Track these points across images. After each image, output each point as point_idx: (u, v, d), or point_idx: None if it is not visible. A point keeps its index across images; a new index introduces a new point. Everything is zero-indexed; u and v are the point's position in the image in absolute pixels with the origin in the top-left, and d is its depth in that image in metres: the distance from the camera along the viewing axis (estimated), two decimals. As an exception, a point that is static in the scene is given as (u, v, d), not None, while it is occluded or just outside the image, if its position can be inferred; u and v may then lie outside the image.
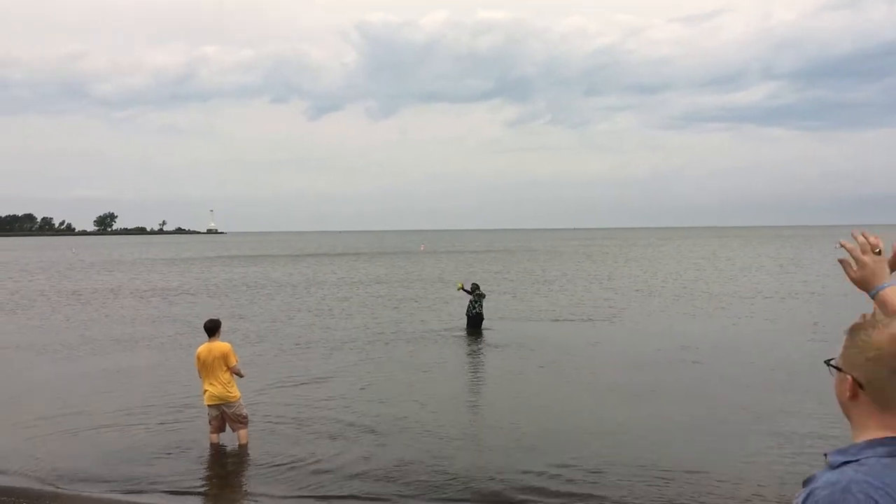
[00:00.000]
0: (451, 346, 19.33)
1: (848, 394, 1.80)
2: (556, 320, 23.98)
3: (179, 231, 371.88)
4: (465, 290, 21.71)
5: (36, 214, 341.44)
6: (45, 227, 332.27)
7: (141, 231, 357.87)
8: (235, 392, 10.15)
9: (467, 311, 21.48)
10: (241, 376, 10.34)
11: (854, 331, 1.86)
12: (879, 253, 2.32)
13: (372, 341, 19.89)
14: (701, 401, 12.60)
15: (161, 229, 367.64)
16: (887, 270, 2.31)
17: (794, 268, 49.28)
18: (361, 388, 14.14)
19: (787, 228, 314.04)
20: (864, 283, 2.28)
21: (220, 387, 10.01)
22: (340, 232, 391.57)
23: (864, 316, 1.89)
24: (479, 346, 19.37)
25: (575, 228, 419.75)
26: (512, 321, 23.29)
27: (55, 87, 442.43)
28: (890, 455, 1.70)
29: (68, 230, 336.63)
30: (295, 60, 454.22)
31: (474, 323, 21.20)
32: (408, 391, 13.92)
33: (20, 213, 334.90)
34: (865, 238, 2.34)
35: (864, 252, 2.33)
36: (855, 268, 2.33)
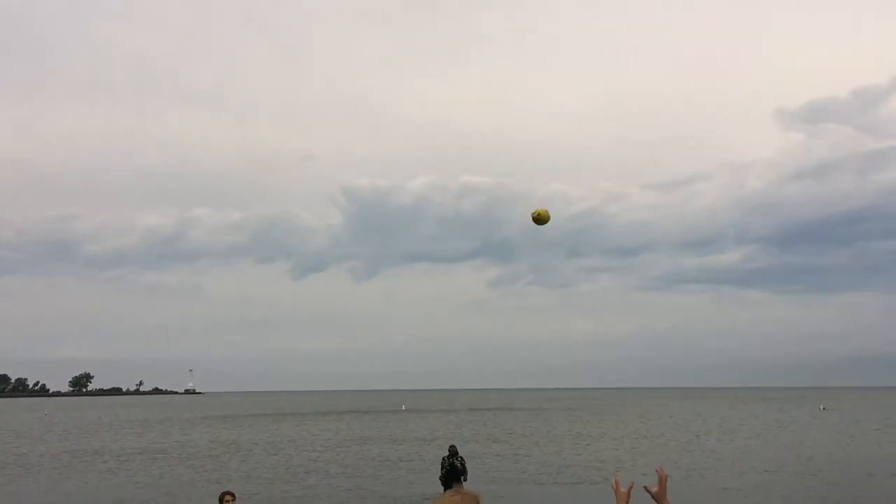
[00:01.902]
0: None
1: None
2: (542, 484, 23.72)
3: (157, 391, 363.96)
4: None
5: (10, 375, 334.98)
6: (20, 388, 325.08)
7: (117, 391, 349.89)
8: None
9: (443, 467, 20.55)
10: None
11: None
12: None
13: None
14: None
15: (138, 389, 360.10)
16: None
17: (779, 430, 49.38)
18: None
19: (768, 389, 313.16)
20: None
21: None
22: (322, 391, 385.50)
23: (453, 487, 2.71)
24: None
25: (557, 388, 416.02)
26: (497, 484, 23.03)
27: (43, 249, 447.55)
28: None
29: (42, 391, 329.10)
30: (283, 223, 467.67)
31: (451, 481, 20.37)
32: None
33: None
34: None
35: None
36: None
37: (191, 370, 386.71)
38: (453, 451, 20.88)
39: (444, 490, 20.40)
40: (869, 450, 34.27)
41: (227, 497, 10.15)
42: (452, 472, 20.46)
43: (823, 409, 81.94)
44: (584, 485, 23.36)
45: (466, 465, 21.06)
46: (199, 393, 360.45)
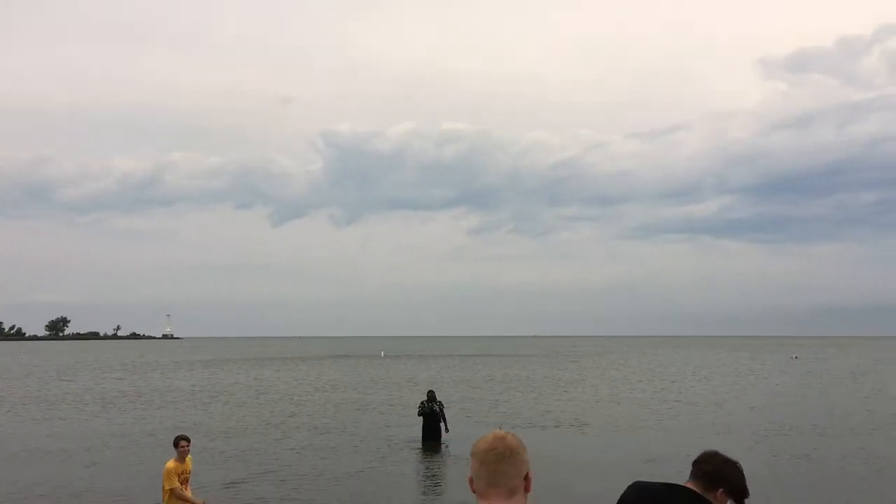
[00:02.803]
0: (405, 457, 19.36)
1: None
2: (522, 427, 24.12)
3: (134, 336, 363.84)
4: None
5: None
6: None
7: (94, 336, 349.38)
8: None
9: (420, 411, 20.67)
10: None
11: None
12: None
13: (322, 447, 19.86)
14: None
15: (115, 334, 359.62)
16: None
17: (753, 377, 50.47)
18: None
19: (744, 339, 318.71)
20: None
21: None
22: (301, 337, 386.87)
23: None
24: (433, 458, 19.04)
25: (536, 336, 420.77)
26: (477, 427, 23.36)
27: (19, 192, 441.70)
28: None
29: (18, 335, 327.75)
30: (261, 168, 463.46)
31: (431, 426, 20.53)
32: None
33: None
34: None
35: None
36: None
37: (168, 315, 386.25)
38: (431, 396, 21.06)
39: (424, 427, 20.56)
40: (829, 398, 35.17)
41: (182, 442, 10.15)
42: (431, 417, 20.72)
43: (795, 357, 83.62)
44: (562, 428, 23.81)
45: (445, 409, 21.40)
46: (177, 338, 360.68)
